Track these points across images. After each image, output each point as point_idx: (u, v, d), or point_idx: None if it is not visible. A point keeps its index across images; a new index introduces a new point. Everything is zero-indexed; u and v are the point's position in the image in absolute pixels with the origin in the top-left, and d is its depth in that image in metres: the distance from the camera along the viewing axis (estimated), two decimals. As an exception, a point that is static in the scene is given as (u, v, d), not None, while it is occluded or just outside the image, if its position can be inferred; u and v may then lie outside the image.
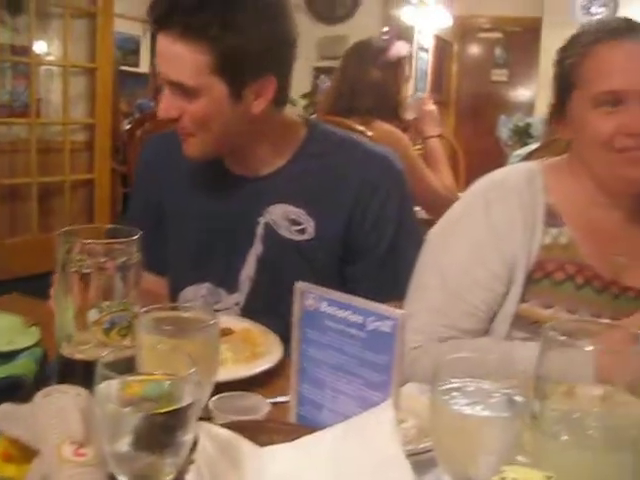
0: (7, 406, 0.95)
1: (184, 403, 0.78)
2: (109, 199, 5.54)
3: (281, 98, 1.53)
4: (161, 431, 0.77)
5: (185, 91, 1.43)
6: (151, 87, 7.83)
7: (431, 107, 3.18)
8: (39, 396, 0.94)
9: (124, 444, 0.76)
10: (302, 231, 1.56)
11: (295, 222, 1.56)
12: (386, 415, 0.88)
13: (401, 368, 0.90)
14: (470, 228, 1.43)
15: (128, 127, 5.28)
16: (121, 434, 0.76)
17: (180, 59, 1.41)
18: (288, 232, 1.57)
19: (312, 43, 6.62)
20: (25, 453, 0.89)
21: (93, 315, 1.00)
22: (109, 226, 1.05)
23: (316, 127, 1.64)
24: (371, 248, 1.58)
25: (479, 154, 5.75)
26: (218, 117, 1.46)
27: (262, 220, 1.58)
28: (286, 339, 1.22)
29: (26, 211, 5.02)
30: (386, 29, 3.48)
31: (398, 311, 0.90)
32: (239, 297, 1.62)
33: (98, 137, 5.43)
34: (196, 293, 1.65)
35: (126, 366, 0.84)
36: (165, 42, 1.42)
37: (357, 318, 0.92)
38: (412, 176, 2.88)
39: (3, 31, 4.78)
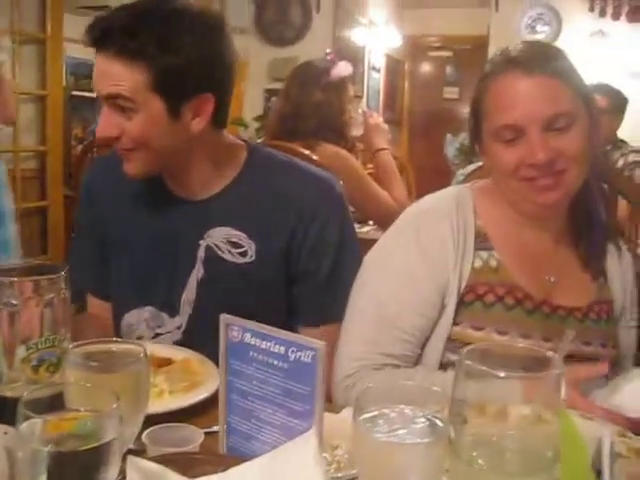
0: None
1: (106, 439, 0.78)
2: (63, 226, 5.49)
3: (220, 119, 1.56)
4: (83, 469, 0.77)
5: (123, 107, 1.46)
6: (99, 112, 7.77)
7: (376, 120, 3.20)
8: (-34, 435, 0.94)
9: (44, 483, 0.77)
10: (243, 254, 1.58)
11: (236, 245, 1.58)
12: (309, 444, 0.89)
13: (323, 397, 0.92)
14: (401, 255, 1.45)
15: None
16: (41, 473, 0.77)
17: (118, 75, 1.44)
18: (230, 255, 1.58)
19: (263, 65, 6.64)
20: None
21: (21, 352, 1.01)
22: (37, 263, 1.05)
23: (257, 150, 1.67)
24: (312, 271, 1.60)
25: (431, 172, 5.79)
26: (156, 134, 1.48)
27: (203, 243, 1.59)
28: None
29: (-23, 240, 4.95)
30: (328, 51, 3.51)
31: (318, 342, 0.92)
32: (181, 320, 1.63)
33: (50, 164, 5.39)
34: (139, 317, 1.65)
35: (52, 403, 0.84)
36: (103, 61, 1.45)
37: (279, 349, 0.94)
38: (362, 194, 2.91)
39: (-50, 59, 4.73)
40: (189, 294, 1.61)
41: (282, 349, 0.94)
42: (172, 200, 1.63)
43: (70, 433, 0.80)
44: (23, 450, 0.79)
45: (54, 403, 0.85)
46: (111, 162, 1.64)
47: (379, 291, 1.44)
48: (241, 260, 1.58)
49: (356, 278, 1.48)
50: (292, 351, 0.93)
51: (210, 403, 1.28)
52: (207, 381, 1.33)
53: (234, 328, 0.99)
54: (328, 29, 6.80)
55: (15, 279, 1.00)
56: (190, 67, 1.46)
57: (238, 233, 1.58)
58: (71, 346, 0.99)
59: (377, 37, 7.78)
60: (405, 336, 1.41)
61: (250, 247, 1.57)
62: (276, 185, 1.60)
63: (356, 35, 7.32)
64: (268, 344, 0.95)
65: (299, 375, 0.93)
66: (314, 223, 1.58)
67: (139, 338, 1.63)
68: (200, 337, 1.53)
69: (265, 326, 0.96)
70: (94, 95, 1.51)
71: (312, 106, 2.95)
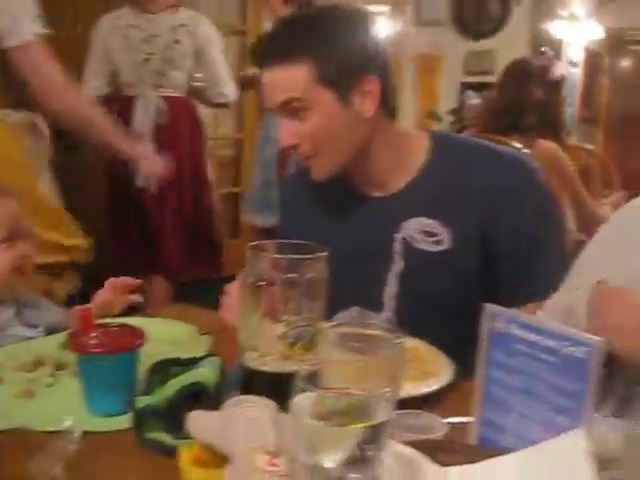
0: (198, 413, 0.99)
1: (379, 420, 0.79)
2: (255, 212, 5.65)
3: (389, 106, 1.58)
4: (357, 447, 0.78)
5: (297, 111, 1.51)
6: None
7: None
8: (229, 405, 0.98)
9: (322, 458, 0.78)
10: (439, 242, 1.56)
11: (430, 234, 1.57)
12: (578, 444, 0.85)
13: (595, 395, 0.88)
14: (600, 247, 1.37)
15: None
16: (317, 448, 0.78)
17: (285, 80, 1.51)
18: (425, 244, 1.57)
19: (458, 58, 6.53)
20: (215, 459, 0.93)
21: (279, 329, 1.03)
22: (295, 242, 1.07)
23: (440, 137, 1.67)
24: (510, 250, 1.57)
25: (631, 172, 5.54)
26: (333, 129, 1.52)
27: (398, 236, 1.59)
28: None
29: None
30: (544, 49, 3.52)
31: (594, 338, 0.88)
32: (387, 316, 1.62)
33: (246, 152, 5.57)
34: (348, 318, 1.66)
35: (314, 380, 0.86)
36: (268, 74, 1.53)
37: (549, 342, 0.91)
38: (569, 195, 2.89)
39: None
40: (391, 289, 1.61)
41: (552, 343, 0.90)
42: (363, 199, 1.65)
43: (337, 410, 0.81)
44: (301, 425, 0.80)
45: (316, 380, 0.86)
46: (301, 175, 1.71)
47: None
48: (437, 248, 1.57)
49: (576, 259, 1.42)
50: (564, 345, 0.89)
51: (442, 393, 1.27)
52: (439, 371, 1.32)
53: (499, 318, 0.96)
54: (526, 22, 6.63)
55: (278, 256, 1.02)
56: (349, 51, 1.51)
57: (431, 222, 1.56)
58: (327, 326, 1.01)
59: (576, 30, 7.50)
60: None
61: (445, 234, 1.56)
62: (466, 169, 1.59)
63: (554, 28, 7.09)
64: (536, 337, 0.92)
65: (570, 371, 0.89)
66: (506, 202, 1.55)
67: None
68: (408, 329, 1.52)
69: (534, 317, 0.94)
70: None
71: (532, 103, 2.98)
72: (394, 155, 1.60)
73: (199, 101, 3.80)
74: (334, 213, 1.69)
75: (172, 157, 3.16)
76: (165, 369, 1.22)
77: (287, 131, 1.55)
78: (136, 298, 1.71)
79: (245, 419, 0.91)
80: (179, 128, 3.58)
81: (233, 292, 1.54)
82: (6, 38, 2.28)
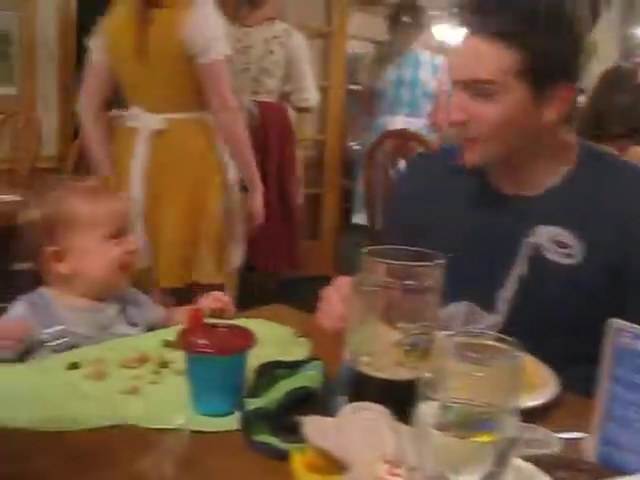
0: (314, 417, 0.98)
1: (511, 434, 0.77)
2: (337, 215, 5.66)
3: (567, 115, 1.52)
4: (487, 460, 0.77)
5: (483, 92, 1.45)
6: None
7: None
8: (346, 411, 0.97)
9: (449, 470, 0.77)
10: (569, 255, 1.51)
11: (562, 245, 1.52)
12: None
13: None
14: None
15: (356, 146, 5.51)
16: (445, 460, 0.77)
17: (486, 57, 1.44)
18: (555, 255, 1.52)
19: (544, 63, 6.44)
20: (330, 465, 0.92)
21: (395, 335, 1.02)
22: (411, 249, 1.06)
23: (589, 149, 1.61)
24: None
25: None
26: (511, 122, 1.47)
27: (528, 241, 1.54)
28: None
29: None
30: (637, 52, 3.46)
31: None
32: (497, 318, 1.59)
33: (328, 153, 5.58)
34: (456, 311, 1.63)
35: (435, 389, 0.84)
36: (473, 42, 1.46)
37: (678, 361, 0.88)
38: None
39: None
40: (507, 292, 1.57)
41: (682, 361, 0.88)
42: (497, 196, 1.61)
43: (459, 420, 0.80)
44: (422, 433, 0.79)
45: (434, 388, 0.84)
46: (430, 160, 1.69)
47: None
48: (566, 261, 1.52)
49: None
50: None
51: (547, 406, 1.24)
52: (544, 383, 1.29)
53: (625, 334, 0.94)
54: (615, 27, 6.47)
55: (395, 262, 1.01)
56: (562, 50, 1.44)
57: (565, 232, 1.52)
58: (443, 335, 0.99)
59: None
60: None
61: (577, 248, 1.51)
62: (609, 185, 1.54)
63: (643, 33, 6.91)
64: (665, 354, 0.89)
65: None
66: None
67: None
68: (516, 337, 1.49)
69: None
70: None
71: (616, 109, 2.92)
72: (546, 160, 1.56)
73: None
74: (465, 204, 1.65)
75: (261, 158, 3.35)
76: (270, 371, 1.23)
77: (461, 106, 1.49)
78: (231, 310, 1.72)
79: (363, 426, 0.91)
80: (269, 131, 3.84)
81: (331, 297, 1.53)
82: (199, 56, 2.68)
